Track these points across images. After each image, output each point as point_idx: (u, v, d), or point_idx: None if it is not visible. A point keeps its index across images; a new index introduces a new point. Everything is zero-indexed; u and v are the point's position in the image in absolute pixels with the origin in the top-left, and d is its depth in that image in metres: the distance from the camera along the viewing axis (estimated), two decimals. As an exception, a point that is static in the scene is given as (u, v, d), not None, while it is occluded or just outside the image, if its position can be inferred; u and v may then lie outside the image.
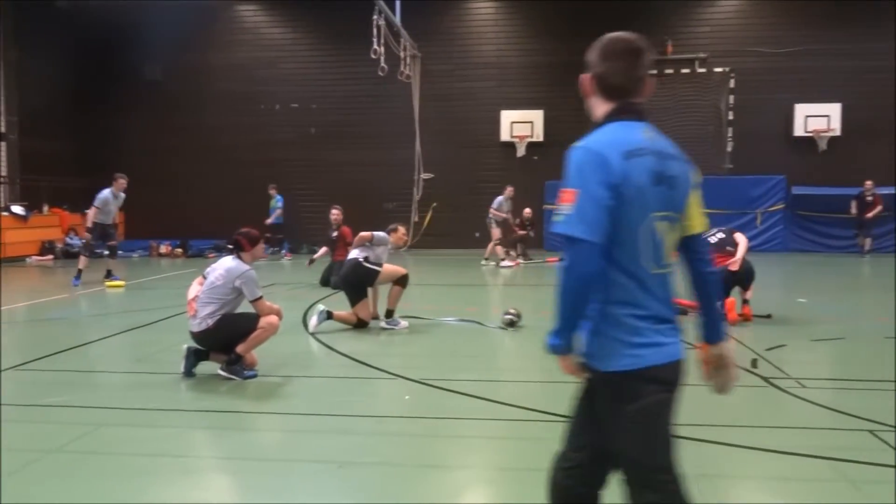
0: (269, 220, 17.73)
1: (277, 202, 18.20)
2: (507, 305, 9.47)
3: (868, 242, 16.93)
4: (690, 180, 2.24)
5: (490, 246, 15.44)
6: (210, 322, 5.63)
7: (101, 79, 20.22)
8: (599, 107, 2.22)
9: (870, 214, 16.75)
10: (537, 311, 9.20)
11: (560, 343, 2.15)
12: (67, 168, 19.31)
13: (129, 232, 20.25)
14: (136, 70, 20.23)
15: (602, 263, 2.03)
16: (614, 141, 2.08)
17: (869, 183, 16.84)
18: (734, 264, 8.04)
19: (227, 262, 5.80)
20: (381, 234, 8.07)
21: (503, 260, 15.10)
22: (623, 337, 2.09)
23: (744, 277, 8.14)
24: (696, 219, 2.28)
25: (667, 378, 2.13)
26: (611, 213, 2.02)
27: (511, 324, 7.87)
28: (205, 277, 5.87)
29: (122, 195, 12.57)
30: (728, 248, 8.27)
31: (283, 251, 17.98)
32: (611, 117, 2.17)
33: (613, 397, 2.14)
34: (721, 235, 8.46)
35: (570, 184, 2.04)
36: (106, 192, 12.29)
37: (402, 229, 8.59)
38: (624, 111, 2.17)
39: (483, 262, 15.25)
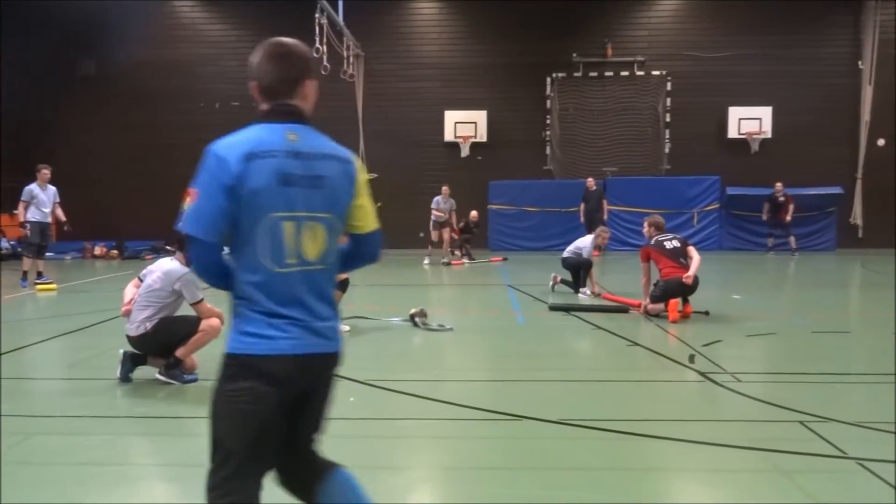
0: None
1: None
2: (451, 305, 9.54)
3: (793, 241, 17.60)
4: (352, 180, 2.29)
5: (444, 247, 15.56)
6: (148, 326, 5.48)
7: (32, 74, 19.47)
8: (261, 109, 2.30)
9: (788, 217, 17.38)
10: (485, 311, 9.27)
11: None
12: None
13: (61, 233, 19.53)
14: (70, 65, 19.56)
15: (217, 258, 2.19)
16: (241, 143, 2.14)
17: (779, 185, 17.51)
18: (688, 278, 8.26)
19: (166, 264, 5.64)
20: None
21: (427, 257, 15.25)
22: (238, 325, 2.19)
23: (691, 291, 8.38)
24: (365, 219, 2.35)
25: (269, 370, 2.14)
26: (225, 214, 2.11)
27: (414, 321, 7.91)
28: (141, 280, 5.70)
29: (52, 188, 12.17)
30: (681, 259, 8.49)
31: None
32: (259, 119, 2.25)
33: (218, 376, 2.23)
34: (676, 244, 8.67)
35: (194, 183, 2.14)
36: (31, 186, 11.96)
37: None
38: (273, 113, 2.23)
39: (443, 260, 15.31)
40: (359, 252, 2.43)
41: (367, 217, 2.35)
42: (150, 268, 5.72)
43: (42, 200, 11.98)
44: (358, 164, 2.35)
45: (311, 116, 2.35)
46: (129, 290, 5.81)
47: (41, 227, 12.01)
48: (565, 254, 10.86)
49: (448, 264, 15.31)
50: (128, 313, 5.64)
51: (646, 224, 9.09)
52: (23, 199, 11.87)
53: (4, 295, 10.85)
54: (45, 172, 12.10)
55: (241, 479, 2.24)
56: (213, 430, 2.24)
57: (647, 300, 8.62)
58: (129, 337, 5.59)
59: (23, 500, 3.43)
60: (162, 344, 5.52)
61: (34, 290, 11.31)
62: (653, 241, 8.77)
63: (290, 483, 2.44)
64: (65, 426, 4.55)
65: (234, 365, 2.17)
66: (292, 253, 2.17)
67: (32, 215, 11.93)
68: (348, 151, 2.35)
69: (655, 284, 8.61)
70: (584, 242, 10.73)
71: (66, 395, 5.36)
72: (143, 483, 3.75)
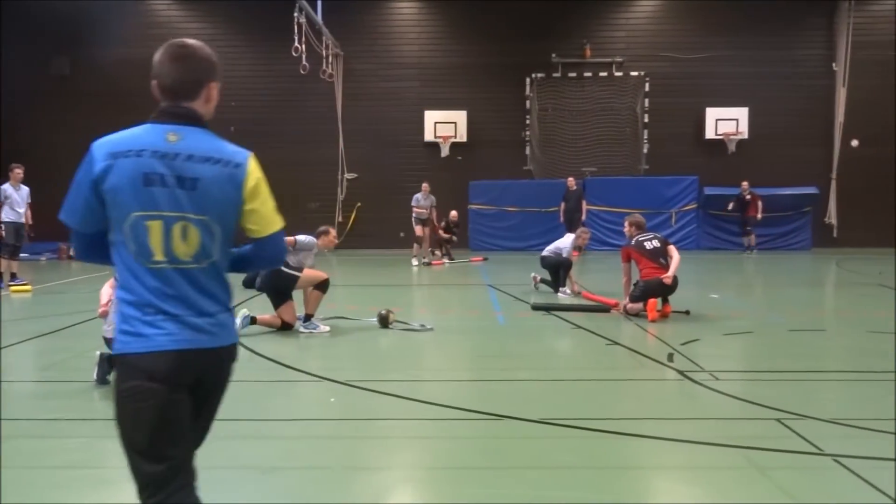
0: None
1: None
2: (431, 305, 9.54)
3: (752, 239, 17.83)
4: (237, 184, 2.29)
5: (424, 246, 15.55)
6: None
7: (4, 72, 19.16)
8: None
9: (759, 215, 17.60)
10: (465, 311, 9.28)
11: None
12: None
13: (35, 233, 19.24)
14: (43, 64, 19.27)
15: (92, 246, 2.30)
16: (112, 141, 2.22)
17: (745, 184, 17.75)
18: (668, 279, 8.32)
19: None
20: (305, 238, 7.86)
21: (415, 257, 15.19)
22: (118, 324, 2.23)
23: (670, 291, 8.44)
24: (259, 223, 2.36)
25: (147, 368, 2.16)
26: (92, 208, 2.20)
27: (385, 324, 7.82)
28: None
29: (25, 188, 12.02)
30: (661, 259, 8.54)
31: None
32: (150, 119, 2.29)
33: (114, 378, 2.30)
34: (656, 244, 8.71)
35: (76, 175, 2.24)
36: (5, 186, 11.81)
37: (332, 232, 8.33)
38: (162, 113, 2.27)
39: (423, 260, 15.29)
40: (257, 255, 2.44)
41: (261, 221, 2.35)
42: None
43: (16, 200, 11.84)
44: (250, 168, 2.32)
45: (209, 118, 2.36)
46: (106, 291, 5.74)
47: (16, 227, 11.87)
48: (545, 253, 10.88)
49: (428, 264, 15.31)
50: (104, 314, 5.58)
51: (626, 224, 9.14)
52: None
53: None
54: (18, 172, 11.95)
55: (160, 480, 2.25)
56: (118, 432, 2.28)
57: (627, 300, 8.68)
58: (105, 339, 5.52)
59: (-3, 505, 3.37)
60: None
61: (9, 291, 11.14)
62: (633, 242, 8.82)
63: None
64: (42, 429, 4.48)
65: (120, 365, 2.22)
66: (161, 251, 2.19)
67: (7, 215, 11.78)
68: (244, 155, 2.34)
69: (635, 284, 8.67)
70: (564, 243, 10.75)
71: (43, 398, 5.28)
72: (120, 486, 3.70)
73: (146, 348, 2.16)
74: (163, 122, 2.24)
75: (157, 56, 2.29)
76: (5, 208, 11.73)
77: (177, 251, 2.20)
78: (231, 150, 2.32)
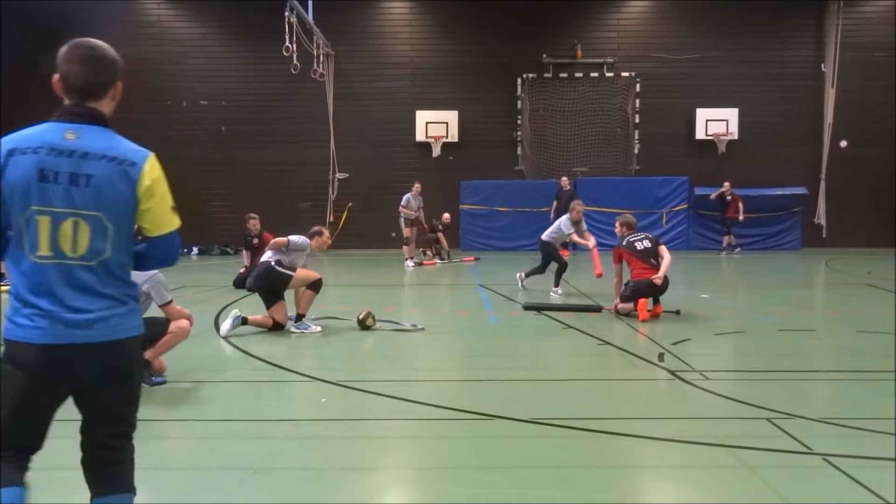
0: None
1: None
2: (422, 305, 9.54)
3: (732, 239, 17.94)
4: (131, 183, 2.34)
5: (412, 246, 15.50)
6: None
7: (-7, 71, 19.06)
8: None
9: (740, 217, 17.66)
10: (456, 311, 9.28)
11: None
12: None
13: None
14: (30, 62, 19.13)
15: None
16: (13, 139, 2.30)
17: (727, 184, 17.80)
18: (658, 279, 8.34)
19: None
20: (299, 239, 7.82)
21: (408, 259, 15.14)
22: (6, 310, 2.33)
23: (661, 291, 8.46)
24: (154, 223, 2.43)
25: (15, 356, 2.29)
26: None
27: (362, 325, 7.76)
28: None
29: None
30: (652, 259, 8.57)
31: (192, 252, 17.48)
32: (52, 117, 2.37)
33: None
34: (647, 244, 8.73)
35: None
36: None
37: (326, 234, 8.23)
38: (63, 112, 2.36)
39: (415, 261, 15.24)
40: (151, 254, 2.51)
41: (156, 221, 2.42)
42: None
43: None
44: (146, 168, 2.37)
45: (111, 117, 2.43)
46: None
47: None
48: (544, 237, 10.72)
49: (420, 264, 15.29)
50: None
51: (617, 224, 9.16)
52: None
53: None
54: None
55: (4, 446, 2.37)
56: None
57: (618, 300, 8.71)
58: None
59: (-15, 507, 3.35)
60: None
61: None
62: (624, 242, 8.85)
63: (85, 471, 2.54)
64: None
65: (3, 346, 2.33)
66: (47, 246, 2.27)
67: None
68: (142, 155, 2.38)
69: (626, 285, 8.69)
70: (563, 223, 10.59)
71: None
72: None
73: (17, 338, 2.28)
74: (63, 120, 2.33)
75: (63, 55, 2.37)
76: None
77: (63, 247, 2.28)
78: (129, 149, 2.38)
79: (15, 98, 19.07)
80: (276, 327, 7.69)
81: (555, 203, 17.70)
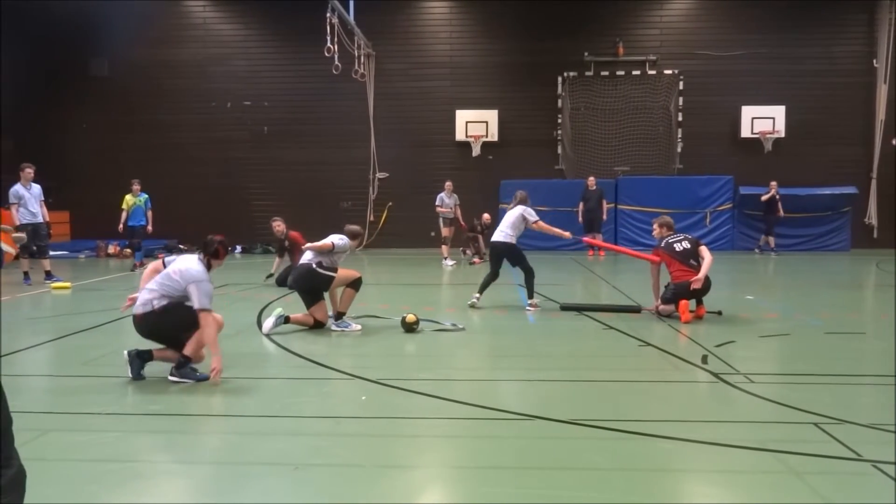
0: (122, 224, 14.52)
1: (147, 202, 14.90)
2: (461, 304, 9.52)
3: (771, 241, 17.51)
4: None
5: (447, 246, 15.52)
6: (156, 304, 5.56)
7: (44, 75, 19.63)
8: None
9: (781, 212, 17.24)
10: (493, 310, 9.26)
11: None
12: (7, 168, 18.65)
13: (75, 232, 19.69)
14: (82, 66, 19.69)
15: None
16: None
17: (774, 183, 17.36)
18: (697, 282, 8.20)
19: (188, 262, 5.67)
20: (341, 241, 7.90)
21: (446, 258, 15.14)
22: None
23: (703, 292, 8.31)
24: None
25: None
26: None
27: (406, 328, 7.63)
28: (165, 265, 5.78)
29: (37, 186, 12.04)
30: (692, 261, 8.43)
31: (236, 250, 17.81)
32: None
33: None
34: (686, 245, 8.58)
35: None
36: (17, 187, 11.86)
37: (357, 227, 8.51)
38: None
39: (451, 262, 15.20)
40: None
41: None
42: (178, 257, 5.82)
43: (28, 200, 11.86)
44: None
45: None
46: (150, 272, 5.95)
47: (33, 227, 11.92)
48: (504, 238, 9.63)
49: (471, 263, 15.32)
50: (131, 303, 5.79)
51: (655, 225, 9.03)
52: (11, 201, 11.77)
53: (18, 293, 10.93)
54: (29, 171, 11.90)
55: None
56: None
57: (659, 301, 8.59)
58: (134, 317, 5.64)
59: (37, 496, 3.44)
60: (165, 327, 5.58)
61: (50, 288, 11.37)
62: (663, 244, 8.72)
63: None
64: (79, 423, 4.58)
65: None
66: None
67: (23, 217, 11.83)
68: None
69: (666, 286, 8.57)
70: (512, 217, 9.72)
71: (81, 392, 5.39)
72: (154, 480, 3.77)
73: None
74: None
75: None
76: (21, 210, 11.80)
77: None
78: None
79: (63, 100, 19.63)
80: (317, 325, 7.78)
81: (581, 204, 17.49)
